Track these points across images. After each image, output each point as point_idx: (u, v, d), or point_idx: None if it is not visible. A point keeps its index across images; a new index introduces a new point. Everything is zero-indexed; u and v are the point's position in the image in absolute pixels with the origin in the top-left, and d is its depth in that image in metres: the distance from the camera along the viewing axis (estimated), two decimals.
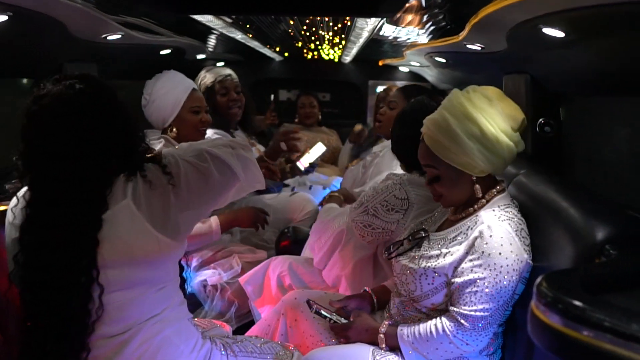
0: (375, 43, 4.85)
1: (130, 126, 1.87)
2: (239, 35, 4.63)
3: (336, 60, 6.82)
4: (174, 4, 3.05)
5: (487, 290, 1.90)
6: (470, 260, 1.94)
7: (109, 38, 3.02)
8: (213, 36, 4.51)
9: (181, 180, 1.85)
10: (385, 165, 3.55)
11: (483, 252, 1.91)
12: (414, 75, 6.40)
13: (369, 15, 3.49)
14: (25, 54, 2.80)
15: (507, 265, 1.89)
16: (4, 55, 2.65)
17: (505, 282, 1.89)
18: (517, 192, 2.27)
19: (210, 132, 3.54)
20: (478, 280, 1.91)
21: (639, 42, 1.76)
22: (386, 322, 2.21)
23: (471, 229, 2.00)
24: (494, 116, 2.00)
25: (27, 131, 1.74)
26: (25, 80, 3.38)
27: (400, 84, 6.03)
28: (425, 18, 3.16)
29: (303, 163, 4.42)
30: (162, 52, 4.09)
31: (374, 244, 2.70)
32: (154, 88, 3.19)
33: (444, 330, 2.00)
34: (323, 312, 2.35)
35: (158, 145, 2.99)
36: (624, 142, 2.48)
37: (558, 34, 1.98)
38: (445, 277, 2.02)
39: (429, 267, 2.05)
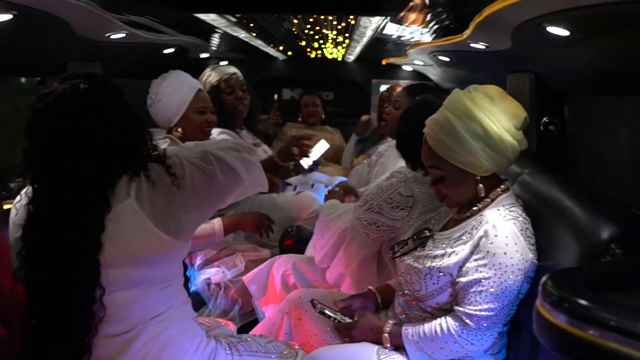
0: (379, 42, 4.85)
1: (134, 127, 1.87)
2: (242, 34, 4.63)
3: (339, 59, 6.82)
4: (178, 2, 3.05)
5: (492, 289, 1.90)
6: (475, 260, 1.94)
7: (112, 37, 3.02)
8: (216, 35, 4.51)
9: (186, 182, 1.84)
10: (390, 164, 3.55)
11: (488, 251, 1.91)
12: (417, 74, 6.39)
13: (373, 14, 3.48)
14: (29, 52, 2.81)
15: (512, 265, 1.88)
16: (8, 53, 2.65)
17: (510, 282, 1.89)
18: (521, 191, 2.26)
19: (216, 132, 3.54)
20: (483, 280, 1.91)
21: None
22: (390, 322, 2.21)
23: (476, 228, 2.00)
24: (497, 115, 2.00)
25: (31, 128, 1.75)
26: (23, 79, 3.39)
27: (403, 82, 6.03)
28: (428, 17, 3.16)
29: (306, 161, 4.41)
30: (166, 51, 4.09)
31: (378, 242, 2.70)
32: (159, 88, 3.20)
33: (448, 330, 2.00)
34: (327, 311, 2.35)
35: (163, 145, 2.99)
36: (625, 142, 2.48)
37: (562, 32, 1.98)
38: (450, 277, 2.01)
39: (433, 266, 2.05)
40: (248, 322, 3.26)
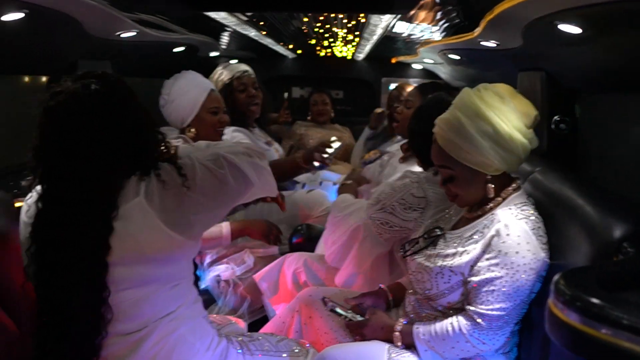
0: (389, 40, 4.85)
1: (144, 127, 1.87)
2: (252, 33, 4.64)
3: (349, 57, 6.83)
4: (190, 0, 3.06)
5: (504, 289, 1.89)
6: (487, 259, 1.93)
7: (123, 35, 3.02)
8: (226, 33, 4.52)
9: (196, 183, 1.84)
10: (400, 165, 3.53)
11: (500, 250, 1.90)
12: (427, 73, 6.38)
13: (384, 12, 3.48)
14: (40, 51, 2.82)
15: (525, 264, 1.88)
16: (19, 52, 2.67)
17: (522, 281, 1.88)
18: (532, 189, 2.25)
19: (229, 130, 3.54)
20: (495, 280, 1.90)
21: None
22: (402, 320, 2.20)
23: (487, 227, 1.99)
24: (507, 114, 1.99)
25: (43, 125, 1.75)
26: (27, 78, 3.41)
27: (413, 81, 6.03)
28: (439, 15, 3.16)
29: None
30: (176, 50, 4.10)
31: (391, 241, 2.69)
32: (172, 88, 3.21)
33: (460, 329, 2.00)
34: (338, 309, 2.35)
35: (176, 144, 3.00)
36: (637, 140, 2.47)
37: (574, 30, 1.97)
38: (462, 276, 2.01)
39: (444, 265, 2.04)
40: (258, 319, 3.27)
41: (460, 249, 2.03)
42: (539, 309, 1.93)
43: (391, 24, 3.91)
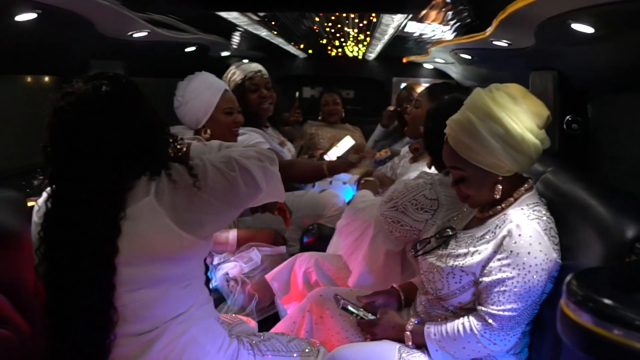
0: (400, 40, 4.84)
1: (154, 129, 1.87)
2: (263, 32, 4.64)
3: (360, 57, 6.82)
4: (202, 0, 3.07)
5: (515, 289, 1.89)
6: (499, 260, 1.92)
7: (135, 35, 3.04)
8: (237, 33, 4.53)
9: (208, 185, 1.84)
10: (412, 165, 3.53)
11: (512, 251, 1.89)
12: (438, 73, 6.36)
13: (396, 12, 3.48)
14: (53, 51, 2.84)
15: (536, 265, 1.87)
16: (32, 52, 2.69)
17: (534, 282, 1.87)
18: (544, 189, 2.25)
19: (243, 131, 3.54)
20: (507, 280, 1.90)
21: None
22: (413, 320, 2.20)
23: (499, 227, 1.99)
24: (519, 114, 1.97)
25: (53, 125, 1.76)
26: (39, 78, 3.43)
27: (424, 81, 6.02)
28: (450, 15, 3.15)
29: (330, 157, 4.41)
30: (187, 50, 4.12)
31: (401, 240, 2.68)
32: (186, 90, 3.21)
33: (471, 330, 1.99)
34: (350, 307, 2.35)
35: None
36: None
37: (587, 29, 1.96)
38: (473, 276, 2.00)
39: (456, 265, 2.04)
40: (267, 317, 3.27)
41: (471, 249, 2.03)
42: (551, 309, 1.92)
43: (402, 24, 3.90)
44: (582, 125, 2.79)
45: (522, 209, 2.00)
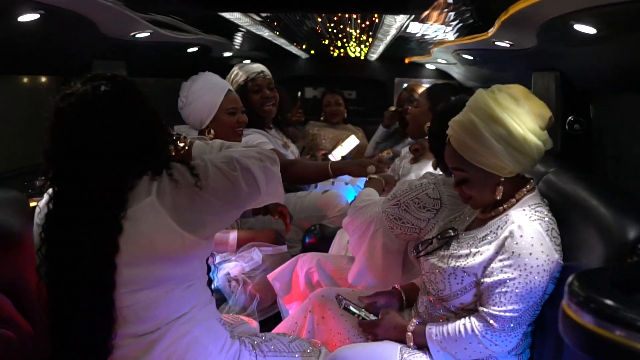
0: (402, 40, 4.84)
1: (154, 128, 1.88)
2: (266, 33, 4.65)
3: (362, 57, 6.82)
4: (204, 0, 3.07)
5: (517, 290, 1.89)
6: (500, 260, 1.92)
7: (137, 36, 3.04)
8: (240, 34, 4.53)
9: (209, 185, 1.84)
10: (413, 166, 3.53)
11: (513, 252, 1.89)
12: (440, 73, 6.36)
13: (398, 12, 3.48)
14: (55, 51, 2.84)
15: (538, 266, 1.87)
16: (35, 52, 2.69)
17: (535, 283, 1.87)
18: (546, 190, 2.25)
19: (247, 133, 3.54)
20: (508, 281, 1.90)
21: None
22: (414, 321, 2.20)
23: (501, 228, 1.99)
24: (521, 116, 1.97)
25: (53, 127, 1.76)
26: (42, 78, 3.43)
27: (426, 81, 6.02)
28: (452, 15, 3.15)
29: (335, 156, 4.41)
30: (189, 50, 4.12)
31: (401, 238, 2.67)
32: (189, 90, 3.22)
33: (472, 331, 1.99)
34: (352, 307, 2.35)
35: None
36: None
37: (590, 30, 1.96)
38: (475, 277, 2.00)
39: (458, 266, 2.04)
40: (268, 317, 3.28)
41: (473, 250, 2.03)
42: (552, 310, 1.93)
43: (405, 24, 3.90)
44: (584, 126, 2.79)
45: (524, 209, 2.00)
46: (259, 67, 3.93)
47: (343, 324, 2.41)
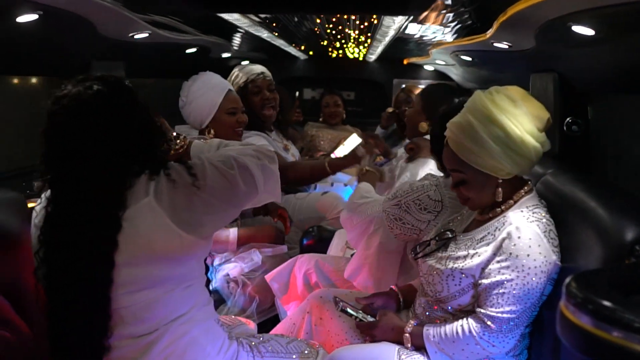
0: (401, 42, 4.85)
1: (149, 127, 1.88)
2: (264, 34, 4.65)
3: (361, 58, 6.83)
4: (204, 1, 3.07)
5: (514, 292, 1.89)
6: (498, 262, 1.92)
7: (136, 37, 3.04)
8: (238, 35, 4.53)
9: (207, 184, 1.84)
10: (409, 165, 3.53)
11: (511, 253, 1.90)
12: (439, 74, 6.37)
13: (398, 13, 3.48)
14: (54, 52, 2.84)
15: (536, 267, 1.87)
16: (33, 53, 2.69)
17: (533, 284, 1.88)
18: (544, 191, 2.25)
19: (246, 134, 3.54)
20: (505, 282, 1.90)
21: None
22: (412, 322, 2.20)
23: (499, 229, 1.99)
24: (519, 117, 1.97)
25: (48, 130, 1.76)
26: (40, 79, 3.43)
27: (424, 82, 6.02)
28: (451, 17, 3.15)
29: (337, 155, 4.40)
30: (188, 51, 4.12)
31: (400, 239, 2.66)
32: (190, 90, 3.22)
33: (470, 332, 1.99)
34: (349, 309, 2.35)
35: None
36: None
37: (588, 31, 1.97)
38: (472, 278, 2.00)
39: (456, 268, 2.04)
40: (267, 319, 3.27)
41: (471, 252, 2.03)
42: (550, 311, 1.92)
43: (403, 26, 3.91)
44: (582, 127, 2.79)
45: (522, 211, 2.00)
46: (259, 68, 3.90)
47: (341, 325, 2.41)
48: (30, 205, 2.07)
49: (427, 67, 6.42)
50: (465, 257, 2.04)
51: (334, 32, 4.86)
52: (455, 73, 5.55)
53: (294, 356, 2.12)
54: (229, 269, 3.33)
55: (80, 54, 3.10)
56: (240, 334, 2.17)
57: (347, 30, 4.77)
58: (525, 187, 2.08)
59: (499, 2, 2.34)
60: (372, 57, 6.66)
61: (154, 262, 1.80)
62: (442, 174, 2.65)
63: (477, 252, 2.00)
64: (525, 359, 2.10)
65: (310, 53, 6.69)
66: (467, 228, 2.19)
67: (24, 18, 2.17)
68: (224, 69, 4.01)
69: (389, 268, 2.76)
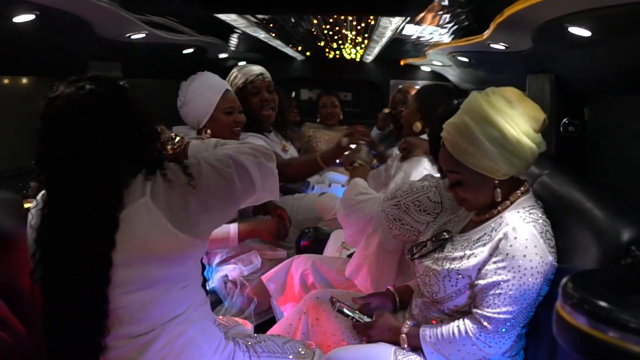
0: (398, 42, 4.85)
1: (143, 125, 1.88)
2: (261, 35, 4.64)
3: (358, 59, 6.83)
4: (200, 2, 3.07)
5: (511, 292, 1.89)
6: (494, 262, 1.93)
7: (133, 37, 3.04)
8: (235, 35, 4.53)
9: (202, 183, 1.85)
10: (403, 164, 3.52)
11: (507, 254, 1.90)
12: (435, 75, 6.37)
13: (395, 14, 3.48)
14: (51, 52, 2.84)
15: (532, 268, 1.87)
16: (30, 53, 2.68)
17: (529, 285, 1.88)
18: (540, 192, 2.25)
19: (244, 136, 3.53)
20: (502, 283, 1.90)
21: None
22: (409, 322, 2.20)
23: (495, 230, 1.99)
24: (515, 118, 1.97)
25: (42, 132, 1.76)
26: (38, 79, 3.42)
27: (421, 83, 6.03)
28: (448, 17, 3.16)
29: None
30: (185, 51, 4.12)
31: (399, 239, 2.66)
32: (188, 90, 3.23)
33: (466, 332, 1.99)
34: (346, 310, 2.35)
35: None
36: None
37: (584, 33, 1.97)
38: (469, 279, 2.00)
39: (452, 268, 2.04)
40: (264, 320, 3.27)
41: (467, 252, 2.03)
42: (546, 312, 1.93)
43: (400, 27, 3.91)
44: (578, 128, 2.80)
45: (518, 212, 2.00)
46: (258, 69, 3.87)
47: (337, 325, 2.41)
48: (26, 205, 2.06)
49: (424, 68, 6.42)
50: (461, 257, 2.04)
51: (331, 33, 4.86)
52: (452, 74, 5.56)
53: (290, 356, 2.12)
54: (228, 270, 3.33)
55: (77, 55, 3.10)
56: (237, 334, 2.17)
57: (344, 31, 4.76)
58: (522, 188, 2.09)
59: (495, 3, 2.34)
60: (369, 58, 6.66)
61: (150, 263, 1.80)
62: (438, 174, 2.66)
63: (473, 253, 2.01)
64: (522, 359, 2.10)
65: (308, 54, 6.68)
66: (463, 229, 2.19)
67: (21, 18, 2.16)
68: (221, 70, 4.00)
69: (388, 268, 2.75)
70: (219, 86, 3.26)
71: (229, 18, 3.67)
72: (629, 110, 2.59)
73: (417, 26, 3.74)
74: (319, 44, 5.67)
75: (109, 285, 1.77)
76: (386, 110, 5.57)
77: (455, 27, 3.37)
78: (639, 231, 1.63)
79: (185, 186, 1.82)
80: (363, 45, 5.66)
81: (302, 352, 2.16)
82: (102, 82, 1.82)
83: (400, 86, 5.72)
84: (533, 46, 2.52)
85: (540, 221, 1.96)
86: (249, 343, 2.10)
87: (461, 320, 2.03)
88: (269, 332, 2.60)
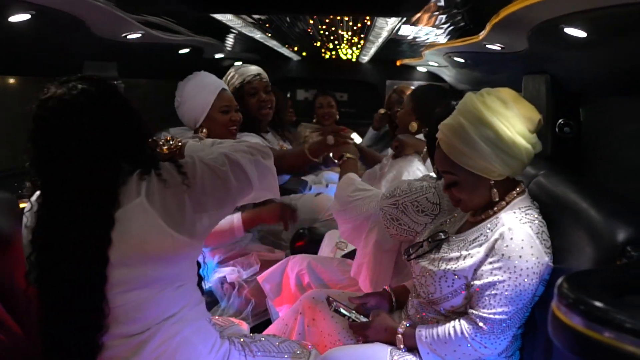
0: (394, 43, 4.85)
1: (135, 124, 1.87)
2: (257, 35, 4.64)
3: (354, 60, 6.83)
4: (197, 2, 3.07)
5: (506, 293, 1.89)
6: (490, 263, 1.93)
7: (129, 37, 3.04)
8: (231, 35, 4.53)
9: (197, 182, 1.85)
10: (396, 162, 3.52)
11: (503, 254, 1.90)
12: (431, 76, 6.38)
13: (391, 15, 3.48)
14: (47, 52, 2.83)
15: (528, 268, 1.87)
16: (26, 53, 2.68)
17: (525, 285, 1.88)
18: (536, 192, 2.25)
19: (240, 136, 3.53)
20: (498, 283, 1.90)
21: None
22: (405, 323, 2.20)
23: (491, 230, 1.99)
24: (510, 119, 1.98)
25: (34, 134, 1.76)
26: (33, 79, 3.41)
27: (417, 84, 6.03)
28: (444, 18, 3.16)
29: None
30: (181, 51, 4.11)
31: (396, 239, 2.65)
32: (184, 89, 3.23)
33: (462, 333, 1.99)
34: (342, 310, 2.35)
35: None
36: None
37: (580, 34, 1.97)
38: (465, 280, 2.00)
39: (448, 269, 2.04)
40: (261, 321, 3.27)
41: (464, 253, 2.03)
42: (542, 312, 1.93)
43: (396, 27, 3.91)
44: (574, 129, 2.80)
45: (514, 212, 2.00)
46: (255, 69, 3.85)
47: (334, 325, 2.41)
48: (22, 205, 2.06)
49: (420, 68, 6.43)
50: (457, 258, 2.04)
51: (327, 33, 4.86)
52: (448, 74, 5.56)
53: (286, 356, 2.12)
54: (226, 272, 3.32)
55: (73, 54, 3.09)
56: (233, 334, 2.17)
57: (340, 31, 4.77)
58: (518, 188, 2.09)
59: (491, 4, 2.35)
60: (365, 59, 6.66)
61: (146, 262, 1.80)
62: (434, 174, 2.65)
63: (469, 254, 2.01)
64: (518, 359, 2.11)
65: (304, 54, 6.69)
66: (459, 229, 2.19)
67: (16, 18, 2.16)
68: (218, 70, 3.99)
69: (385, 267, 2.75)
70: (214, 85, 3.26)
71: (225, 18, 3.67)
72: (624, 111, 2.59)
73: (413, 27, 3.75)
74: (315, 44, 5.67)
75: (107, 283, 1.77)
76: (382, 111, 5.57)
77: (451, 27, 3.38)
78: (634, 232, 1.63)
79: (179, 185, 1.82)
80: (359, 46, 5.66)
81: (298, 352, 2.16)
82: (93, 82, 1.82)
83: (396, 86, 5.73)
84: (529, 47, 2.52)
85: (536, 222, 1.97)
86: (245, 342, 2.10)
87: (457, 320, 2.03)
88: (265, 332, 2.60)
